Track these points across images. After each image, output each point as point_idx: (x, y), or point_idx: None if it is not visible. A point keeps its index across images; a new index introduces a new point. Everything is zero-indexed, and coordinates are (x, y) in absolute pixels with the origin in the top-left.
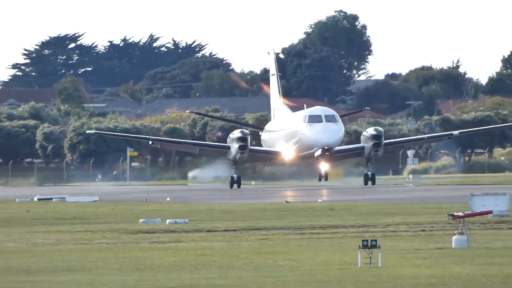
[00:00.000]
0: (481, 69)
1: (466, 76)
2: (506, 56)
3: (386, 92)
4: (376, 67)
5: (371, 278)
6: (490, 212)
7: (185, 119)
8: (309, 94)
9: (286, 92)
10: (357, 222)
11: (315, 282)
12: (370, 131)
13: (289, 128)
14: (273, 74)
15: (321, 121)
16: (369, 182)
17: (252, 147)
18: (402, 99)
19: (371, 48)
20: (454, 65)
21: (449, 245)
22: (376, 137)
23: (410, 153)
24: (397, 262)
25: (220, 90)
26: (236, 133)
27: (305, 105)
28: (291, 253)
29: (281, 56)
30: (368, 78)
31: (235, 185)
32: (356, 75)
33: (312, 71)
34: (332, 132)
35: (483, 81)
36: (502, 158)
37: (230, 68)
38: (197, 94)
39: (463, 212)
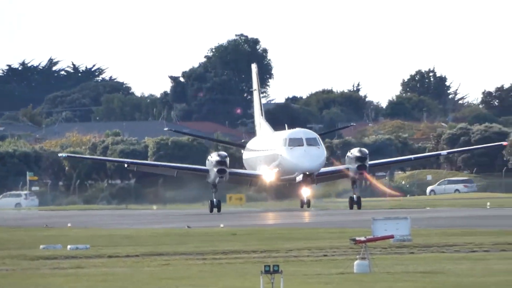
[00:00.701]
0: (381, 92)
1: (367, 99)
2: (405, 80)
3: (287, 115)
4: (277, 91)
5: None
6: (391, 236)
7: (85, 143)
8: (210, 118)
9: (186, 116)
10: (259, 247)
11: None
12: (355, 152)
13: (269, 150)
14: (255, 89)
15: (302, 145)
16: (355, 206)
17: (232, 170)
18: (302, 122)
19: (272, 71)
20: (355, 89)
21: (351, 270)
22: (360, 159)
23: None
24: (299, 287)
25: (120, 113)
26: (215, 156)
27: (286, 125)
28: (193, 279)
29: (181, 79)
30: (269, 101)
31: (215, 209)
32: None
33: (213, 95)
34: (313, 156)
35: (383, 104)
36: (403, 182)
37: (130, 92)
38: (97, 118)
39: (365, 237)
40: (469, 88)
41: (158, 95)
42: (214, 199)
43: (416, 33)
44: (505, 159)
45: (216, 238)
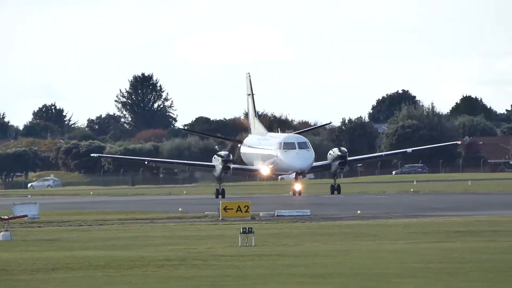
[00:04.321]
0: (16, 118)
1: (10, 123)
2: (36, 110)
3: None
4: None
5: None
6: (25, 215)
7: None
8: None
9: None
10: None
11: None
12: (336, 151)
13: (266, 150)
14: (249, 94)
15: (295, 148)
16: (335, 192)
17: (235, 166)
18: None
19: None
20: (0, 116)
21: None
22: (341, 157)
23: None
24: None
25: None
26: (220, 155)
27: (279, 129)
28: None
29: None
30: None
31: (220, 196)
32: None
33: None
34: (304, 158)
35: (21, 127)
36: (34, 179)
37: None
38: None
39: (8, 216)
40: (78, 116)
41: None
42: (220, 188)
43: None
44: (103, 164)
45: None
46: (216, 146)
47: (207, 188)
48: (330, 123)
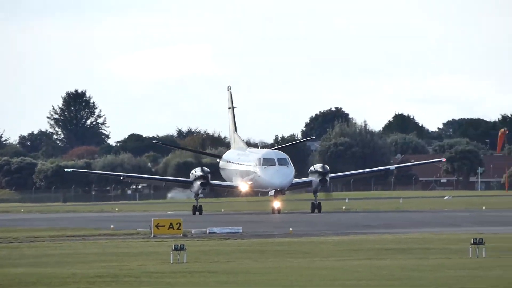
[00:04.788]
0: None
1: None
2: None
3: None
4: None
5: None
6: None
7: None
8: None
9: None
10: None
11: None
12: (317, 167)
13: (245, 166)
14: (229, 108)
15: (274, 165)
16: (316, 210)
17: (213, 182)
18: None
19: None
20: None
21: None
22: (322, 174)
23: None
24: None
25: None
26: (198, 171)
27: (259, 144)
28: None
29: None
30: None
31: (197, 212)
32: None
33: None
34: (284, 175)
35: None
36: None
37: None
38: None
39: None
40: (9, 133)
41: None
42: (197, 205)
43: None
44: (34, 180)
45: None
46: (149, 164)
47: (138, 205)
48: (313, 138)
